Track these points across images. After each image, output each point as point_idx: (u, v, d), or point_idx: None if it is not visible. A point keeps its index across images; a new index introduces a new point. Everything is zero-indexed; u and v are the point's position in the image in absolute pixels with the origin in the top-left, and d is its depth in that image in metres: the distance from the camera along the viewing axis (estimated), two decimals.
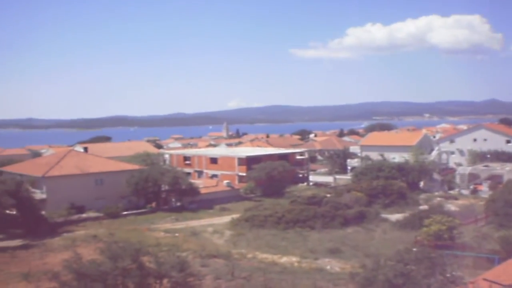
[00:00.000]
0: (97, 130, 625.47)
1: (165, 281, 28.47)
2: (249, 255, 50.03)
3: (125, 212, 77.78)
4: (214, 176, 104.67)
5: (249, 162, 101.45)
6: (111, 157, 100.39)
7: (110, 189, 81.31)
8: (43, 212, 72.03)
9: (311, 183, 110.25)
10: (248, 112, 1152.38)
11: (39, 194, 76.17)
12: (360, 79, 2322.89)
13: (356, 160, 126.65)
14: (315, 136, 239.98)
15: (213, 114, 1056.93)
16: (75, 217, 74.36)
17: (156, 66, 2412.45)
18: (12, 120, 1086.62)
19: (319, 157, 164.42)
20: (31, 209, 69.19)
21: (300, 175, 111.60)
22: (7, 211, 66.47)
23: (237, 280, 39.52)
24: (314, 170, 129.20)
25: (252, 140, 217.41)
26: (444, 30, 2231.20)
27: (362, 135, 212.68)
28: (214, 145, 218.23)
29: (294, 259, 48.40)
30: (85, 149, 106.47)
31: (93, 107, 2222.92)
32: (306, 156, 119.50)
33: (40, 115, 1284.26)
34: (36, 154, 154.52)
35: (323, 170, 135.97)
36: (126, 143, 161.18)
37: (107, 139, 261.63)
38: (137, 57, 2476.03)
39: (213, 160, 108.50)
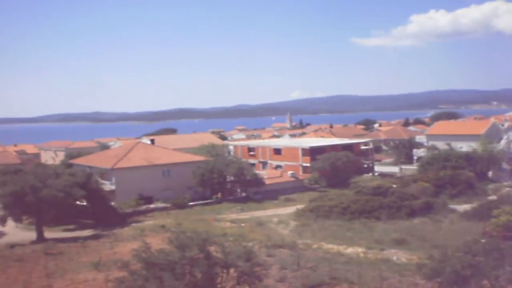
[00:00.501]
0: (162, 123, 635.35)
1: (231, 270, 28.82)
2: (314, 246, 50.05)
3: (191, 203, 79.15)
4: (278, 167, 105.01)
5: (313, 152, 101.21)
6: (177, 148, 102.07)
7: (177, 180, 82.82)
8: (112, 203, 74.01)
9: (376, 174, 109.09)
10: (311, 102, 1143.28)
11: (108, 186, 78.25)
12: (424, 67, 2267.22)
13: (422, 150, 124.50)
14: (380, 125, 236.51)
15: (276, 105, 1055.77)
16: (143, 207, 76.16)
17: (219, 58, 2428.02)
18: (80, 114, 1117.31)
19: (384, 147, 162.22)
20: (101, 200, 71.20)
21: (365, 166, 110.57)
22: (78, 202, 68.51)
23: (303, 270, 39.60)
24: (379, 161, 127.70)
25: (315, 131, 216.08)
26: (510, 15, 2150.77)
27: (428, 125, 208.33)
28: (278, 136, 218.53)
29: (359, 249, 48.14)
30: (152, 141, 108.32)
31: (158, 100, 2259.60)
32: (371, 146, 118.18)
33: (107, 109, 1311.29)
34: (105, 147, 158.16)
35: (388, 160, 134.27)
36: (191, 135, 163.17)
37: (172, 131, 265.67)
38: (200, 49, 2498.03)
39: (277, 151, 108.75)
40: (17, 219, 63.45)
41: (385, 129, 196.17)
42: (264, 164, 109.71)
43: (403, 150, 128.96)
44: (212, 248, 29.09)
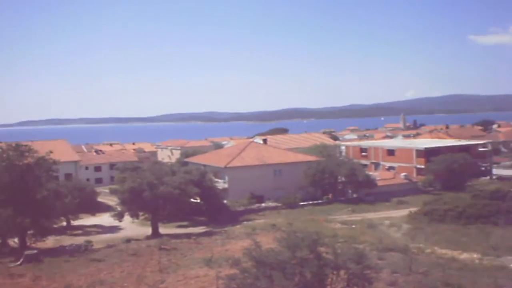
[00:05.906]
0: (274, 122, 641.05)
1: (342, 272, 28.69)
2: (427, 250, 48.78)
3: (302, 203, 79.29)
4: (391, 168, 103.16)
5: (428, 154, 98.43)
6: (289, 148, 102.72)
7: (288, 180, 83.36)
8: (225, 201, 75.64)
9: (494, 177, 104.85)
10: (426, 102, 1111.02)
11: (221, 184, 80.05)
12: None
13: None
14: (499, 126, 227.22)
15: (389, 105, 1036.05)
16: (255, 206, 77.27)
17: (331, 58, 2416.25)
18: (195, 113, 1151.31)
19: (503, 149, 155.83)
20: (214, 198, 73.06)
21: (482, 168, 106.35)
22: (192, 200, 70.52)
23: (415, 275, 38.71)
24: (497, 163, 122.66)
25: (431, 131, 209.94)
26: None
27: None
28: (391, 137, 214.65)
29: (475, 255, 46.40)
30: (265, 140, 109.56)
31: (271, 100, 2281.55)
32: (489, 148, 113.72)
33: (221, 109, 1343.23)
34: (218, 146, 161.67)
35: (507, 163, 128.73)
36: (303, 135, 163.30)
37: (284, 131, 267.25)
38: (308, 49, 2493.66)
39: (390, 152, 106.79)
40: (134, 215, 65.91)
41: (504, 130, 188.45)
42: (377, 165, 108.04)
43: None
44: (322, 249, 29.06)
